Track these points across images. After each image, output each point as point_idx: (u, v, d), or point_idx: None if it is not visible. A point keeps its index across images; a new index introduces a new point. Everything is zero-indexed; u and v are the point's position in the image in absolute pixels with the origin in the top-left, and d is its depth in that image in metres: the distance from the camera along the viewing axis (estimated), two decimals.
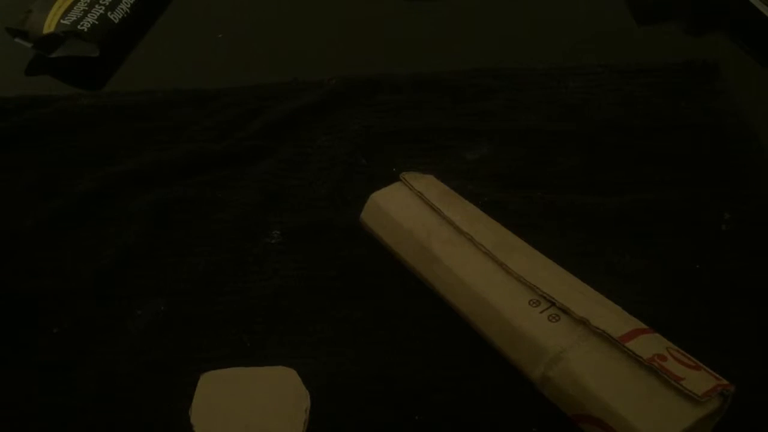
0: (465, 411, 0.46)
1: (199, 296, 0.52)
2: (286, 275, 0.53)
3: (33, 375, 0.49)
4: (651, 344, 0.44)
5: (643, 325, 0.45)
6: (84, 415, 0.47)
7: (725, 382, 0.42)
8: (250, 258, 0.55)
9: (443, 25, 0.72)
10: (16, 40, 0.70)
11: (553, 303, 0.46)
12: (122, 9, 0.71)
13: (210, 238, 0.56)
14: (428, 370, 0.48)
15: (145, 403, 0.47)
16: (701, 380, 0.41)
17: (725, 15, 0.70)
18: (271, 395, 0.43)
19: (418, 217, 0.53)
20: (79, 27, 0.67)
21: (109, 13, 0.69)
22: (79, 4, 0.69)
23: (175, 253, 0.55)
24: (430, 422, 0.45)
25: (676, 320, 0.48)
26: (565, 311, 0.46)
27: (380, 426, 0.46)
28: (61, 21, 0.68)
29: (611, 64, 0.66)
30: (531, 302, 0.47)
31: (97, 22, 0.68)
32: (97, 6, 0.69)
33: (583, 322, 0.45)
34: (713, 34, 0.69)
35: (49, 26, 0.68)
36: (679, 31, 0.70)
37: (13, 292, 0.53)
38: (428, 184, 0.55)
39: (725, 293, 0.50)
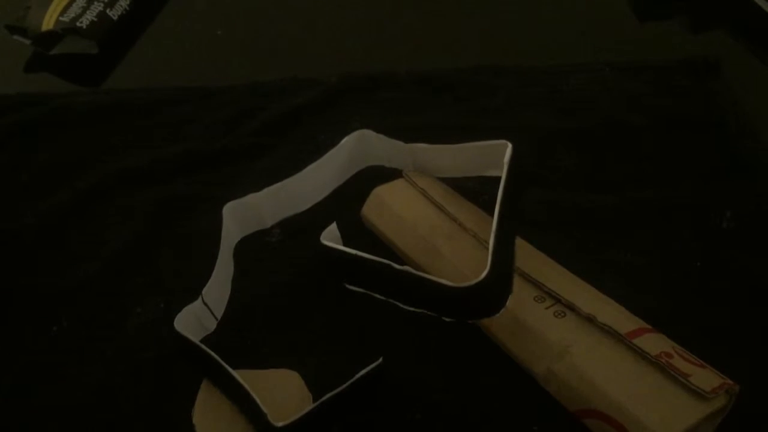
0: (465, 410, 0.46)
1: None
2: (287, 274, 0.53)
3: (33, 374, 0.49)
4: (657, 342, 0.43)
5: (648, 325, 0.45)
6: (84, 415, 0.47)
7: (730, 381, 0.42)
8: (251, 257, 0.54)
9: (444, 23, 0.72)
10: (15, 37, 0.69)
11: (558, 300, 0.46)
12: (121, 6, 0.71)
13: (210, 237, 0.55)
14: (428, 369, 0.48)
15: (145, 402, 0.47)
16: (708, 378, 0.41)
17: (727, 13, 0.70)
18: (274, 398, 0.43)
19: (422, 212, 0.52)
20: (77, 24, 0.67)
21: (107, 10, 0.69)
22: (77, 1, 0.69)
23: (175, 252, 0.55)
24: (430, 422, 0.45)
25: (677, 318, 0.47)
26: (571, 308, 0.45)
27: (381, 426, 0.45)
28: (60, 18, 0.67)
29: (612, 61, 0.66)
30: (536, 298, 0.47)
31: (95, 19, 0.68)
32: (95, 3, 0.69)
33: (589, 319, 0.45)
34: (715, 32, 0.69)
35: (48, 23, 0.67)
36: (681, 29, 0.70)
37: (13, 291, 0.53)
38: (431, 181, 0.55)
39: (726, 291, 0.50)
